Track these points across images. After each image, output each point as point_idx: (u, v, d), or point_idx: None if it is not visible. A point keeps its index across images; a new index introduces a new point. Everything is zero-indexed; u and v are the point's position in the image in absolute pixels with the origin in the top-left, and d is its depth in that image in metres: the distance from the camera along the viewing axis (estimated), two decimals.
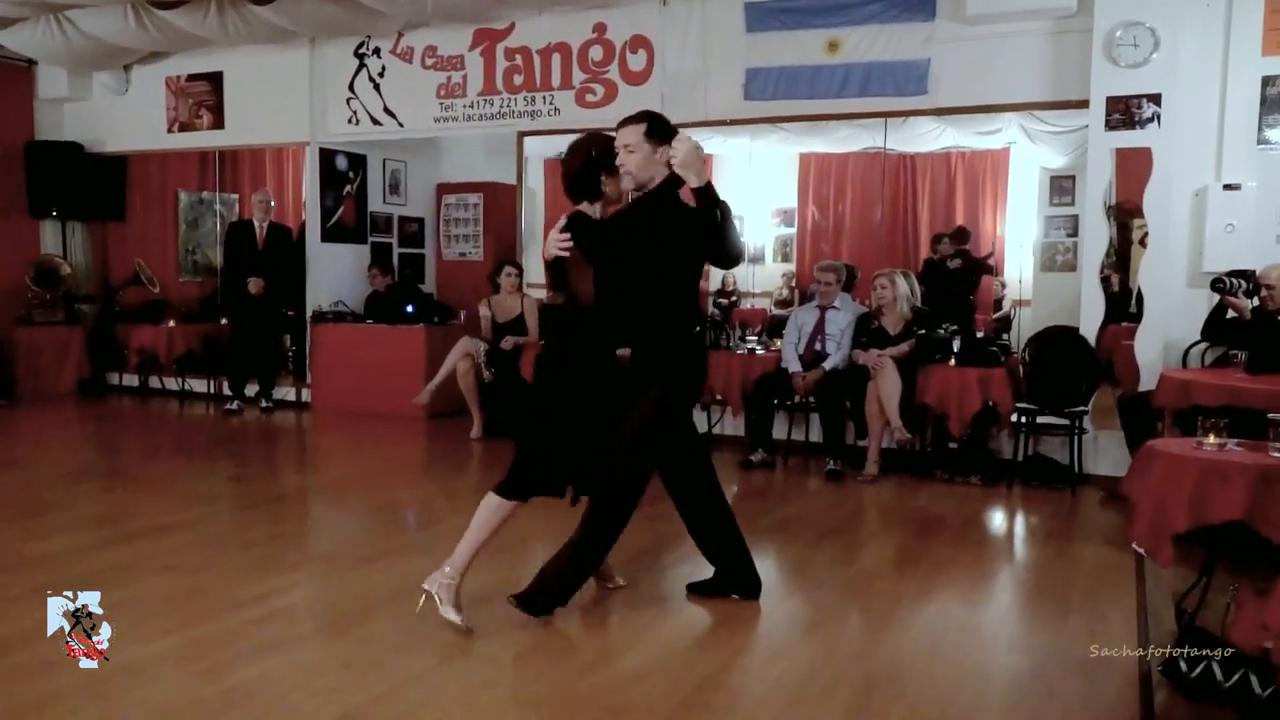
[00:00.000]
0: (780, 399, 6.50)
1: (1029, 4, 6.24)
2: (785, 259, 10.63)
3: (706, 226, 3.40)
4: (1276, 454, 2.96)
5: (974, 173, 9.83)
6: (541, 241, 5.26)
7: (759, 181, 10.08)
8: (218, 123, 9.29)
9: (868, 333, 6.35)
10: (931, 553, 4.58)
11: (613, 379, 3.47)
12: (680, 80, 7.38)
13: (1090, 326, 6.11)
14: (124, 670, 3.02)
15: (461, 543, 3.38)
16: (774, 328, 8.28)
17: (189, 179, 10.56)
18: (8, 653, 3.11)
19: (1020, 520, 5.46)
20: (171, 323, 9.64)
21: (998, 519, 5.43)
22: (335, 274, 9.03)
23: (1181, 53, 5.89)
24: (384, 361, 8.36)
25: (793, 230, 10.58)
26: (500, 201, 9.45)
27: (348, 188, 9.14)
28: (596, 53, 7.67)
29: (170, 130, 9.50)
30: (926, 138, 9.06)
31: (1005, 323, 9.54)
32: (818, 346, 6.46)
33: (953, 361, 6.09)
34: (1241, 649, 2.63)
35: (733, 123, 7.40)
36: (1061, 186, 9.49)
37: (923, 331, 6.28)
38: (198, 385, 9.52)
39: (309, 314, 8.86)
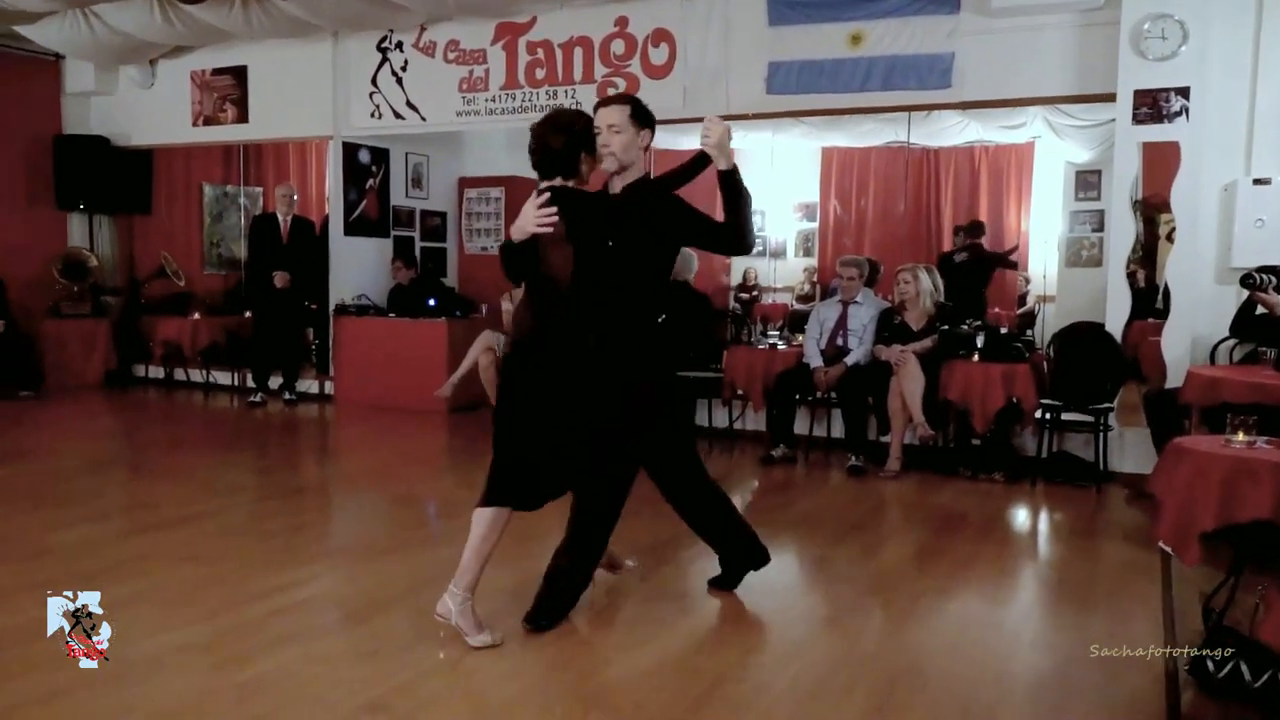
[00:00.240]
0: (802, 394, 6.47)
1: None
2: (807, 254, 10.62)
3: (688, 220, 3.37)
4: None
5: (998, 167, 9.77)
6: None
7: (781, 176, 10.06)
8: (242, 116, 9.34)
9: (890, 328, 6.32)
10: (953, 550, 4.54)
11: (588, 370, 3.29)
12: (702, 74, 7.35)
13: (1116, 322, 6.05)
14: (146, 660, 3.05)
15: (464, 560, 3.20)
16: (795, 322, 8.26)
17: (213, 172, 10.66)
18: (31, 640, 3.13)
19: (1044, 517, 5.41)
20: (196, 315, 9.74)
21: (1021, 516, 5.39)
22: (358, 267, 9.08)
23: (1211, 45, 5.81)
24: (406, 355, 8.39)
25: (814, 225, 10.56)
26: (522, 195, 9.34)
27: (370, 181, 9.18)
28: (618, 46, 7.66)
29: (195, 124, 9.58)
30: (950, 132, 9.01)
31: (1029, 318, 9.48)
32: (839, 342, 6.43)
33: (976, 357, 6.04)
34: (1271, 648, 2.59)
35: (755, 117, 7.36)
36: (1087, 181, 9.42)
37: (946, 327, 6.23)
38: (222, 377, 9.60)
39: (332, 307, 8.91)
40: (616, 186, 3.46)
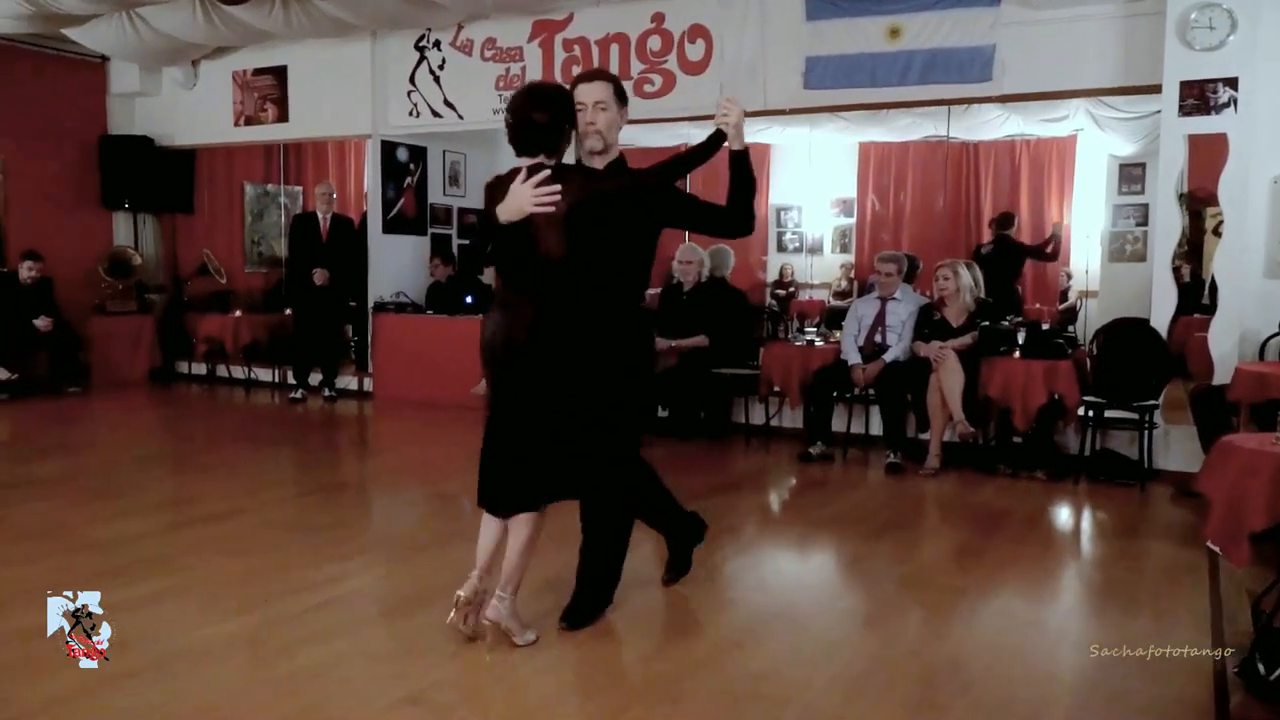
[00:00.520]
0: (840, 391, 6.43)
1: None
2: (844, 250, 10.53)
3: (682, 201, 3.41)
4: None
5: (1039, 161, 9.63)
6: None
7: (818, 171, 9.99)
8: (282, 116, 9.45)
9: (929, 324, 6.26)
10: (994, 548, 4.50)
11: (582, 361, 3.17)
12: (739, 70, 7.31)
13: (1161, 318, 5.94)
14: (192, 651, 3.10)
15: (510, 565, 3.14)
16: (832, 319, 8.20)
17: (254, 172, 10.78)
18: None
19: (1087, 516, 5.33)
20: (238, 313, 9.86)
21: (1064, 515, 5.32)
22: (396, 265, 9.15)
23: (1260, 34, 5.68)
24: (444, 352, 8.43)
25: (852, 220, 10.46)
26: None
27: (408, 179, 9.25)
28: (655, 43, 7.65)
29: (236, 124, 9.69)
30: (990, 125, 8.89)
31: (1071, 314, 9.35)
32: (877, 338, 6.38)
33: (1017, 354, 5.97)
34: None
35: (792, 112, 7.32)
36: (1131, 174, 9.26)
37: (986, 323, 6.16)
38: (263, 374, 9.71)
39: (371, 305, 8.99)
40: (598, 166, 3.31)
